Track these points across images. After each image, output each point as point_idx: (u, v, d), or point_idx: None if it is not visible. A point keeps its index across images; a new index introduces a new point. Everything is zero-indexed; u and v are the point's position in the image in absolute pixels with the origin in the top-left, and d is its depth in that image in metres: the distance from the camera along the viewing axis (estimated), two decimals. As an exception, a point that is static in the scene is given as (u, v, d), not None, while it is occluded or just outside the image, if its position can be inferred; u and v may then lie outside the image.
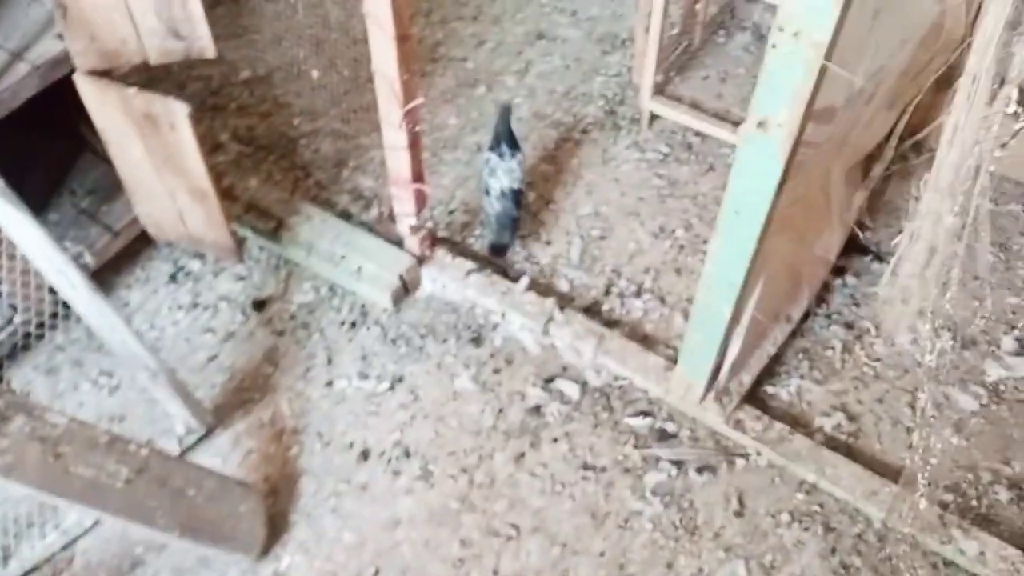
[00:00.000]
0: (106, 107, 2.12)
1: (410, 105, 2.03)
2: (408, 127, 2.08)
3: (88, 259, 2.35)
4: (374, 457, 2.19)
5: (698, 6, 2.91)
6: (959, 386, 2.31)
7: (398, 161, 2.21)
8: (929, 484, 2.04)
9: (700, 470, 2.15)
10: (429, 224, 2.45)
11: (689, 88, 2.93)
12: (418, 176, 2.25)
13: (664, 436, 2.22)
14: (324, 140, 2.92)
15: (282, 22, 3.25)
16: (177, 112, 2.03)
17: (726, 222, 1.66)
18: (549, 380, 2.33)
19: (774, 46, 1.30)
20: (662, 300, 2.49)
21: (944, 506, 2.06)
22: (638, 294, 2.50)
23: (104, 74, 2.10)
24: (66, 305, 1.96)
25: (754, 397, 2.26)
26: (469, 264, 2.50)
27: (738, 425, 2.18)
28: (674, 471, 2.15)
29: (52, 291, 1.95)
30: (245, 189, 2.66)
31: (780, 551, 2.03)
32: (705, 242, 2.62)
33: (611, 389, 2.30)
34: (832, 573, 1.99)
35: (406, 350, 2.39)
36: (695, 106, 2.85)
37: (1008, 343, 2.38)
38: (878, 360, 2.36)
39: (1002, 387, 2.30)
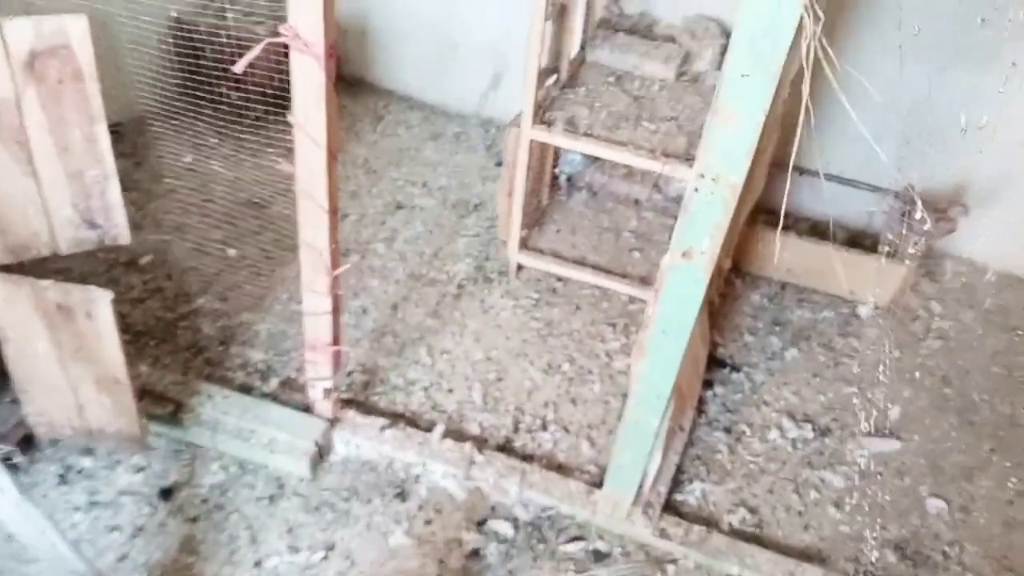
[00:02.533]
0: (12, 302, 2.04)
1: (337, 271, 2.15)
2: (333, 293, 2.19)
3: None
4: (323, 630, 2.11)
5: (543, 172, 3.31)
6: (828, 469, 2.66)
7: (318, 326, 2.29)
8: (829, 558, 2.32)
9: (639, 582, 2.29)
10: (341, 386, 2.50)
11: (547, 241, 3.27)
12: (336, 339, 2.33)
13: (599, 556, 2.35)
14: (203, 320, 2.90)
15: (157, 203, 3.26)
16: (98, 300, 2.00)
17: (654, 342, 1.91)
18: (481, 523, 2.39)
19: (696, 190, 1.61)
20: (566, 430, 2.68)
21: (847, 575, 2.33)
22: (544, 427, 2.67)
23: (7, 268, 2.04)
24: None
25: (668, 506, 2.46)
26: (381, 421, 2.56)
27: (663, 533, 2.36)
28: (617, 587, 2.27)
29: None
30: (136, 375, 2.57)
31: (726, 644, 2.19)
32: (590, 372, 2.87)
33: (541, 520, 2.41)
34: (775, 654, 2.17)
35: (332, 516, 2.37)
36: (556, 255, 3.18)
37: (858, 430, 2.80)
38: (759, 456, 2.68)
39: (863, 464, 2.69)
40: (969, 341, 3.18)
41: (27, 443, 2.37)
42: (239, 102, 2.96)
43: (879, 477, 2.65)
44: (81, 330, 2.06)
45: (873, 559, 2.39)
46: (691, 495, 2.53)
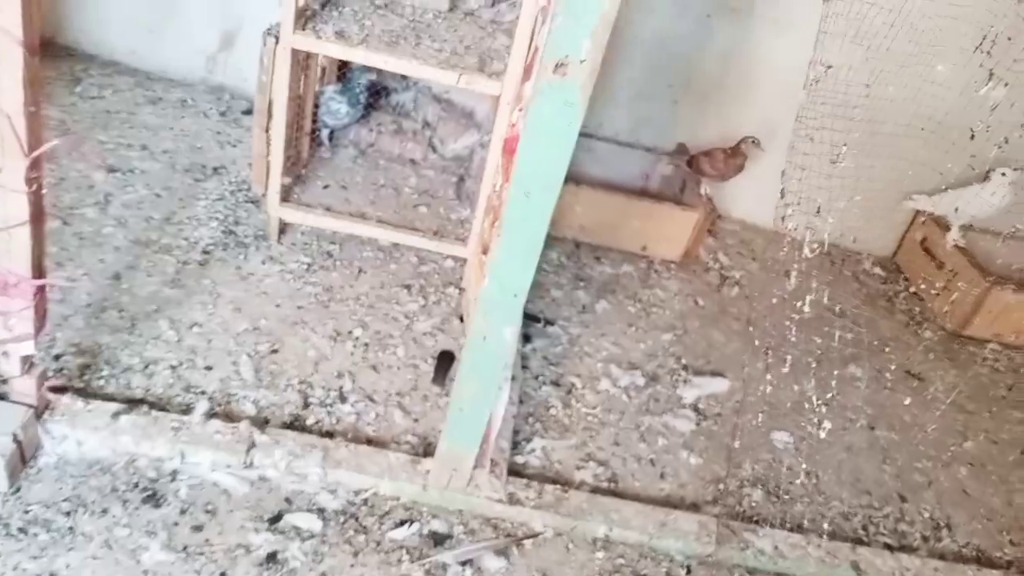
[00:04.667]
0: None
1: (39, 151, 1.44)
2: (32, 187, 1.47)
3: None
4: None
5: (302, 121, 2.76)
6: (669, 414, 2.37)
7: (9, 248, 1.53)
8: (695, 503, 2.01)
9: (494, 564, 1.78)
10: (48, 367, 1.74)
11: (313, 196, 2.70)
12: (40, 270, 1.59)
13: (439, 539, 1.81)
14: None
15: None
16: None
17: (514, 211, 1.46)
18: (275, 519, 1.75)
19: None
20: (371, 399, 2.12)
21: (719, 517, 2.02)
22: (342, 399, 2.09)
23: None
24: None
25: (509, 469, 2.00)
26: (114, 406, 1.83)
27: (513, 499, 1.89)
28: (468, 573, 1.75)
29: None
30: None
31: (608, 618, 1.75)
32: (390, 336, 2.35)
33: (355, 507, 1.83)
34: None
35: (48, 537, 1.59)
36: (329, 209, 2.63)
37: (685, 372, 2.55)
38: (595, 407, 2.32)
39: (701, 405, 2.43)
40: (760, 287, 3.13)
41: None
42: None
43: (719, 417, 2.41)
44: None
45: (736, 498, 2.11)
46: (532, 455, 2.09)
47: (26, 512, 1.62)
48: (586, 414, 2.29)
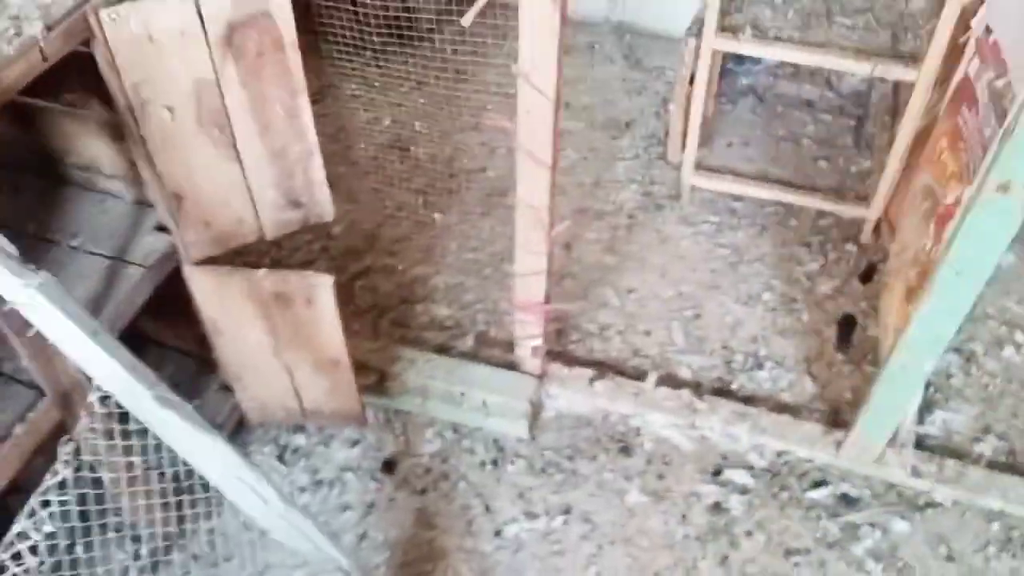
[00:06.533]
0: (222, 295, 1.93)
1: (556, 231, 1.98)
2: (548, 252, 2.02)
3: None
4: (580, 600, 2.05)
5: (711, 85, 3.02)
6: (1076, 384, 2.44)
7: (530, 286, 2.14)
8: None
9: (897, 527, 2.15)
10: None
11: (719, 157, 3.02)
12: (547, 298, 2.19)
13: (849, 501, 2.21)
14: (377, 278, 2.78)
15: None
16: (319, 285, 1.88)
17: (943, 284, 1.69)
18: (716, 473, 2.28)
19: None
20: (782, 366, 2.51)
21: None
22: (759, 365, 2.51)
23: (213, 260, 1.92)
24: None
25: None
26: (589, 372, 2.44)
27: (915, 471, 2.20)
28: (877, 534, 2.14)
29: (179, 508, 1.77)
30: (333, 347, 2.48)
31: (1002, 585, 2.06)
32: (794, 300, 2.67)
33: (779, 467, 2.28)
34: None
35: (560, 477, 2.28)
36: (734, 173, 2.93)
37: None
38: (996, 376, 2.47)
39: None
40: None
41: (239, 426, 2.31)
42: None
43: None
44: (299, 316, 1.94)
45: None
46: (932, 426, 2.35)
47: (542, 455, 2.33)
48: (985, 383, 2.46)
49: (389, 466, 2.31)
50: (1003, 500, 2.16)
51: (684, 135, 2.82)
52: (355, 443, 2.36)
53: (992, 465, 2.26)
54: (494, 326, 2.60)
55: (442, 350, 2.52)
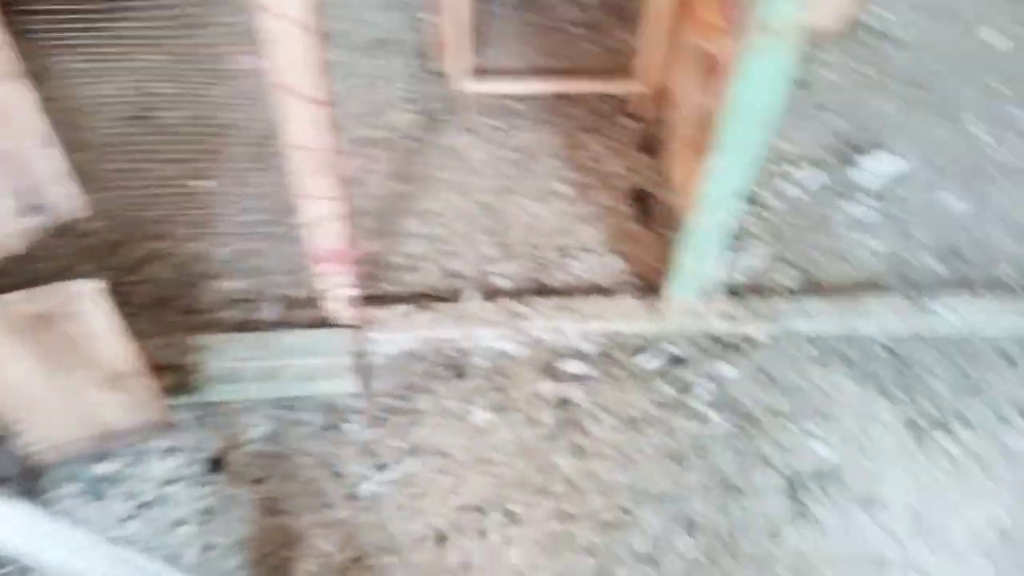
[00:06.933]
0: (-37, 331, 1.64)
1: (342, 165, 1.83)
2: (340, 192, 1.87)
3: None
4: (452, 534, 2.00)
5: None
6: (845, 200, 2.62)
7: (327, 234, 1.98)
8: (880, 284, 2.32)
9: (726, 373, 2.25)
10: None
11: (491, 60, 2.93)
12: (351, 242, 2.04)
13: (679, 362, 2.28)
14: (151, 268, 2.51)
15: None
16: (82, 294, 1.63)
17: (727, 135, 1.71)
18: (551, 370, 2.27)
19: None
20: (590, 251, 2.52)
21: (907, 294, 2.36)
22: (569, 256, 2.51)
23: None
24: None
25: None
26: (404, 307, 2.34)
27: (729, 317, 2.30)
28: (712, 386, 2.23)
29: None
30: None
31: (825, 399, 2.21)
32: (587, 186, 2.68)
33: (609, 348, 2.31)
34: (875, 392, 2.21)
35: (402, 419, 2.19)
36: (512, 73, 2.86)
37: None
38: (781, 213, 2.61)
39: (876, 187, 2.66)
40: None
41: (32, 474, 2.04)
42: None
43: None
44: (70, 334, 1.70)
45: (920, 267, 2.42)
46: (736, 271, 2.46)
47: (379, 403, 2.22)
48: (774, 221, 2.59)
49: (216, 464, 2.12)
50: (809, 321, 2.30)
51: (452, 43, 2.70)
52: (173, 451, 2.14)
53: (794, 293, 2.39)
54: (297, 287, 2.43)
55: (244, 327, 2.32)
